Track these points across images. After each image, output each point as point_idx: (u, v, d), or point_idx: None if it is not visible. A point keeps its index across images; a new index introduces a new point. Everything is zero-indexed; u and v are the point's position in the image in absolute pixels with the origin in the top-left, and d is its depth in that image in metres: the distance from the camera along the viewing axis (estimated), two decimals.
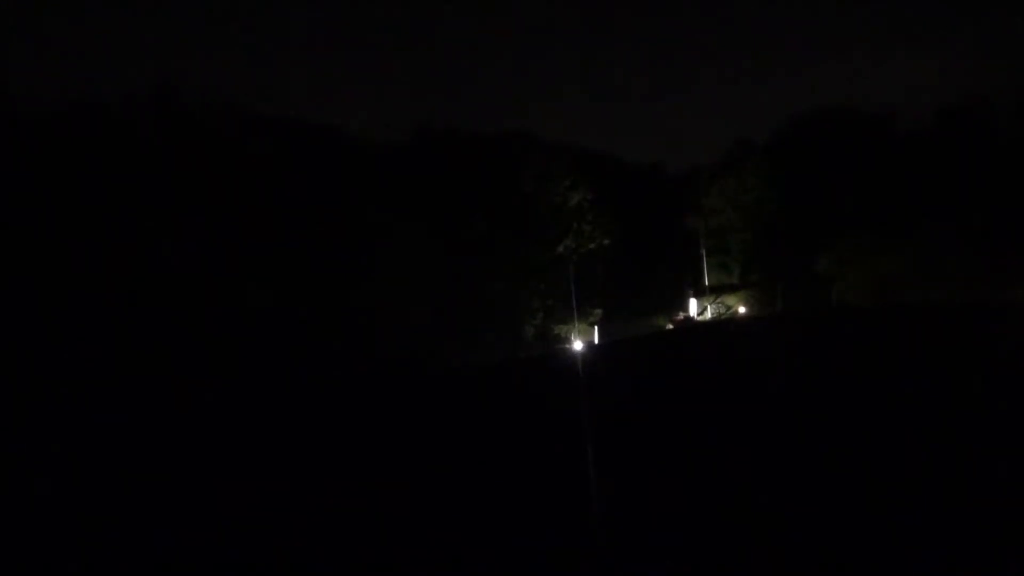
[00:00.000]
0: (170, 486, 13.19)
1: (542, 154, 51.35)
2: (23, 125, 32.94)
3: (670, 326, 52.57)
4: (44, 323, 28.31)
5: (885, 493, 9.25)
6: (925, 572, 7.25)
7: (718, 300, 56.40)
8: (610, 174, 57.52)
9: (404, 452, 14.72)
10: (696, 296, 57.42)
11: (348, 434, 17.75)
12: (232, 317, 32.27)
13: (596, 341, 48.31)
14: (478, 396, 22.85)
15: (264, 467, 14.31)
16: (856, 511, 8.71)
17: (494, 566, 8.33)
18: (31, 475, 14.85)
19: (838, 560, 7.56)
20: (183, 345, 30.47)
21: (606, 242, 52.22)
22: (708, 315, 55.17)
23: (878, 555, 7.57)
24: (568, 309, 49.56)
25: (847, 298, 47.41)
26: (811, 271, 49.75)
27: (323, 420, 20.73)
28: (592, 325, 51.28)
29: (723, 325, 47.33)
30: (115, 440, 19.29)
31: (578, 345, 40.29)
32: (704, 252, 58.98)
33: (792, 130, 58.48)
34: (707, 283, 58.57)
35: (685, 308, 56.85)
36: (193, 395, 26.60)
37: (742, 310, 53.38)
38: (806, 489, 9.85)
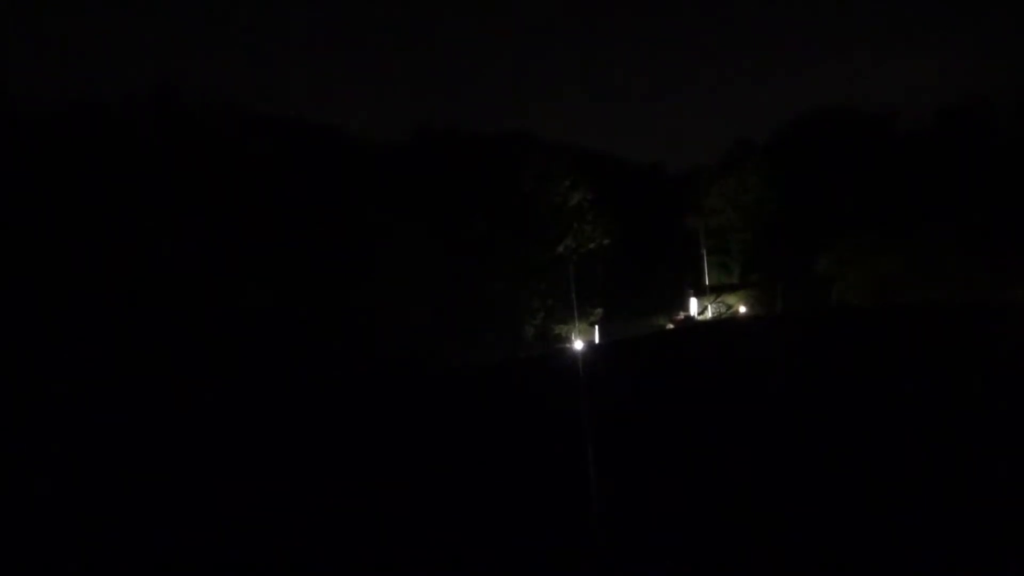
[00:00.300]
0: (170, 486, 13.19)
1: (542, 154, 51.36)
2: (23, 125, 32.93)
3: (670, 326, 52.56)
4: (44, 323, 28.30)
5: (885, 493, 9.25)
6: (925, 572, 7.25)
7: (719, 300, 56.39)
8: (610, 174, 57.54)
9: (404, 452, 14.72)
10: (696, 296, 57.44)
11: (348, 434, 17.75)
12: (232, 317, 32.26)
13: (596, 341, 48.30)
14: (478, 396, 22.84)
15: (264, 467, 14.30)
16: (856, 511, 8.71)
17: (494, 566, 8.32)
18: (31, 475, 14.84)
19: (838, 560, 7.56)
20: (183, 345, 30.46)
21: (606, 242, 52.23)
22: (709, 315, 55.16)
23: (878, 555, 7.57)
24: (568, 309, 49.57)
25: (847, 298, 47.42)
26: (811, 271, 49.76)
27: (323, 420, 20.72)
28: (592, 325, 51.27)
29: (723, 325, 47.32)
30: (115, 440, 19.29)
31: (578, 345, 40.28)
32: (704, 252, 59.01)
33: (792, 130, 58.54)
34: (707, 283, 58.57)
35: (685, 308, 56.87)
36: (193, 395, 26.59)
37: (743, 310, 53.38)
38: (806, 489, 9.85)
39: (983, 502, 8.61)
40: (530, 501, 10.50)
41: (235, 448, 17.09)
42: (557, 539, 8.86)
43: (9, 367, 26.11)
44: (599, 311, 51.93)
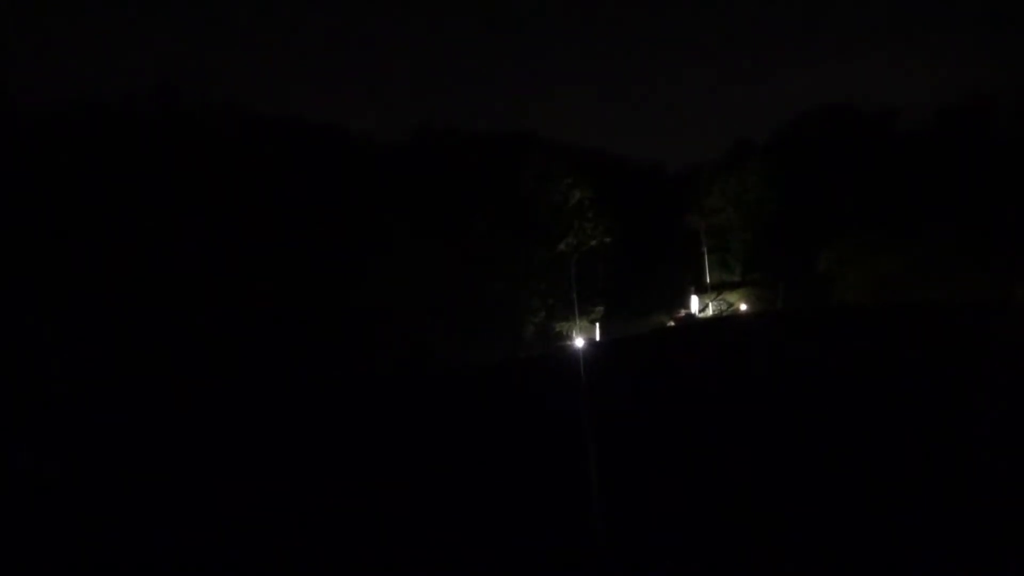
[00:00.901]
0: (170, 486, 13.19)
1: (542, 153, 51.33)
2: (24, 124, 32.92)
3: (671, 323, 52.47)
4: (44, 323, 28.27)
5: (885, 493, 9.24)
6: (925, 572, 7.25)
7: (719, 297, 56.29)
8: (611, 173, 57.47)
9: (404, 453, 14.71)
10: (697, 293, 57.32)
11: (348, 434, 17.74)
12: (232, 317, 32.23)
13: (597, 338, 48.25)
14: (478, 397, 22.83)
15: (264, 467, 14.30)
16: (856, 511, 8.70)
17: (494, 566, 8.33)
18: (32, 474, 14.84)
19: (838, 560, 7.56)
20: (183, 345, 30.42)
21: (607, 240, 52.14)
22: (710, 312, 55.04)
23: (878, 555, 7.57)
24: (569, 307, 49.51)
25: (847, 297, 47.34)
26: (812, 270, 49.68)
27: (323, 420, 20.71)
28: (593, 323, 51.19)
29: (724, 323, 47.23)
30: (115, 440, 19.28)
31: (579, 343, 40.21)
32: (705, 250, 58.93)
33: (792, 130, 58.44)
34: (708, 280, 58.47)
35: (686, 305, 56.74)
36: (193, 395, 26.55)
37: (743, 307, 53.27)
38: (806, 489, 9.84)
39: (983, 502, 8.60)
40: (530, 501, 10.50)
41: (235, 448, 17.08)
42: (557, 539, 8.86)
43: (9, 367, 26.09)
44: (600, 309, 51.86)
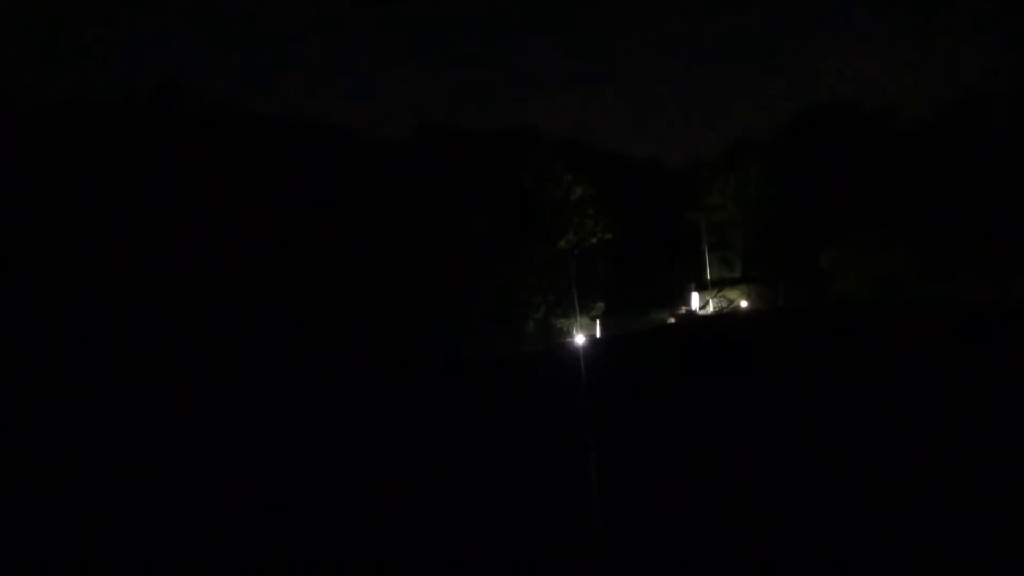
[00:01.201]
0: (170, 486, 13.20)
1: (543, 150, 51.44)
2: (23, 124, 32.92)
3: (672, 320, 52.57)
4: (44, 322, 28.30)
5: (885, 493, 9.24)
6: (925, 572, 7.24)
7: (720, 294, 56.39)
8: (611, 170, 57.58)
9: (404, 452, 14.72)
10: (698, 290, 57.46)
11: (347, 434, 17.75)
12: (232, 316, 32.26)
13: (598, 335, 48.36)
14: (478, 395, 22.84)
15: (264, 467, 14.31)
16: (856, 511, 8.70)
17: (494, 566, 8.33)
18: (31, 475, 14.85)
19: (838, 560, 7.56)
20: (183, 345, 30.45)
21: (608, 237, 52.27)
22: (710, 309, 55.13)
23: (878, 555, 7.56)
24: (570, 304, 49.64)
25: (848, 294, 47.35)
26: (813, 267, 49.72)
27: (322, 419, 20.73)
28: (594, 319, 51.32)
29: (724, 320, 47.25)
30: (115, 440, 19.29)
31: (580, 339, 40.34)
32: (706, 247, 59.03)
33: (794, 127, 58.45)
34: (709, 277, 58.59)
35: (687, 302, 56.88)
36: (193, 395, 26.58)
37: (744, 304, 53.36)
38: (806, 488, 9.84)
39: (983, 502, 8.59)
40: (530, 501, 10.50)
41: (235, 448, 17.10)
42: (557, 539, 8.86)
43: (9, 367, 26.12)
44: (600, 306, 52.01)
